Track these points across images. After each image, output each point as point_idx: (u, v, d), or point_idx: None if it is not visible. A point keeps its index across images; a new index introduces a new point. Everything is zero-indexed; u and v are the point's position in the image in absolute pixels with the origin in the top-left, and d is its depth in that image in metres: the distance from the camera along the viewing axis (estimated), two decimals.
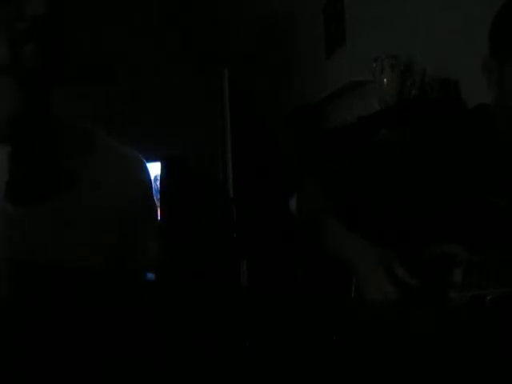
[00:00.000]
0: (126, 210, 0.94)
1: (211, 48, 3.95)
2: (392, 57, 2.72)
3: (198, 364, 0.57)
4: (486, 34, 1.10)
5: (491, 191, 1.07)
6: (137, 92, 3.83)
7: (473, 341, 0.69)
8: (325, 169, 1.25)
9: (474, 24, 2.11)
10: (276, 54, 4.18)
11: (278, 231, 2.68)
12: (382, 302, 0.98)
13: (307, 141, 3.59)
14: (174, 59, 3.95)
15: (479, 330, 0.71)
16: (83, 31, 0.86)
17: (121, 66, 3.74)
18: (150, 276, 0.99)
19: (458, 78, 2.39)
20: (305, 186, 1.26)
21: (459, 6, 2.39)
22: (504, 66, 1.04)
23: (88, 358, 0.56)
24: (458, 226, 1.04)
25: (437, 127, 1.15)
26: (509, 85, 1.04)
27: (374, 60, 2.79)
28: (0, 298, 0.60)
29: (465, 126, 1.14)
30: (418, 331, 0.72)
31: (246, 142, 3.28)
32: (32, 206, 0.84)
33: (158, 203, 3.09)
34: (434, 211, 1.09)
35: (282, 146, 3.76)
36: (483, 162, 1.10)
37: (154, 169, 3.13)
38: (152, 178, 3.46)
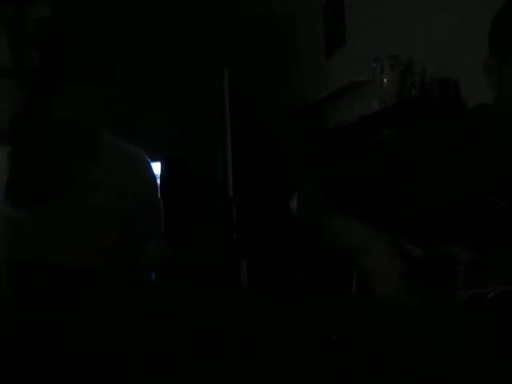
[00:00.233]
0: (128, 210, 0.94)
1: (211, 48, 3.95)
2: (392, 57, 2.72)
3: (198, 364, 0.57)
4: (485, 34, 1.10)
5: (491, 191, 1.07)
6: (137, 92, 3.83)
7: (473, 340, 0.69)
8: (325, 169, 1.25)
9: (474, 24, 2.11)
10: (276, 54, 4.18)
11: (278, 231, 2.68)
12: (393, 281, 0.98)
13: (307, 141, 3.59)
14: (174, 59, 3.95)
15: (479, 330, 0.71)
16: (84, 31, 0.86)
17: (121, 66, 3.73)
18: (151, 276, 0.99)
19: (457, 77, 2.39)
20: (305, 185, 1.26)
21: (459, 6, 2.39)
22: (504, 66, 1.04)
23: (88, 357, 0.56)
24: (459, 225, 1.04)
25: (437, 127, 1.15)
26: (509, 84, 1.04)
27: (374, 60, 2.79)
28: (0, 298, 0.60)
29: (465, 126, 1.14)
30: (418, 330, 0.72)
31: (246, 142, 3.28)
32: (32, 206, 0.84)
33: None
34: (434, 211, 1.09)
35: (282, 146, 3.76)
36: (483, 162, 1.10)
37: (154, 169, 3.12)
38: None
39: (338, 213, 1.15)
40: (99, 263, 0.87)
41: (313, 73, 3.89)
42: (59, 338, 0.56)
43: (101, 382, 0.56)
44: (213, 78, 3.46)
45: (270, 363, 0.58)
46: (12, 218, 0.76)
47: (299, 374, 0.58)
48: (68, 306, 0.58)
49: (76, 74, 0.87)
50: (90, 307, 0.58)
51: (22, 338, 0.56)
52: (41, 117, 0.87)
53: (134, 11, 3.85)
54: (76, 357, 0.56)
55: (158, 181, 3.24)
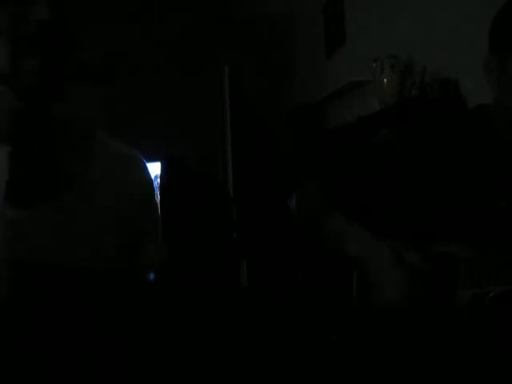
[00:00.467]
0: (126, 210, 0.94)
1: (211, 48, 3.95)
2: (392, 57, 2.72)
3: (198, 363, 0.57)
4: (486, 34, 1.10)
5: (491, 191, 1.07)
6: (137, 92, 3.83)
7: (473, 340, 0.69)
8: (325, 169, 1.25)
9: (474, 24, 2.11)
10: (276, 54, 4.17)
11: (278, 231, 2.68)
12: (395, 290, 0.97)
13: (307, 141, 3.59)
14: (174, 59, 3.95)
15: (480, 329, 0.71)
16: (83, 32, 0.86)
17: (121, 66, 3.74)
18: (151, 276, 0.99)
19: (457, 77, 2.39)
20: (305, 185, 1.26)
21: (459, 6, 2.39)
22: (504, 66, 1.04)
23: (88, 357, 0.56)
24: (459, 225, 1.04)
25: (437, 127, 1.15)
26: (509, 84, 1.04)
27: (374, 60, 2.79)
28: (0, 298, 0.60)
29: (465, 126, 1.14)
30: (418, 330, 0.72)
31: (246, 142, 3.28)
32: (32, 207, 0.84)
33: (157, 203, 3.09)
34: (434, 211, 1.09)
35: (282, 145, 3.76)
36: (483, 162, 1.10)
37: (154, 169, 3.13)
38: (152, 178, 3.43)
39: (337, 213, 1.15)
40: (99, 263, 0.87)
41: (313, 73, 3.89)
42: (59, 337, 0.56)
43: (101, 381, 0.56)
44: (213, 78, 3.46)
45: (270, 363, 0.58)
46: (12, 218, 0.76)
47: (299, 373, 0.58)
48: (68, 305, 0.58)
49: (75, 75, 0.87)
50: (89, 307, 0.58)
51: (22, 338, 0.56)
52: (40, 117, 0.87)
53: (133, 11, 3.85)
54: (76, 356, 0.56)
55: (158, 180, 3.24)
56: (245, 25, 4.06)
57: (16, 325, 0.56)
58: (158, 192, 3.11)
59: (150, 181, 1.03)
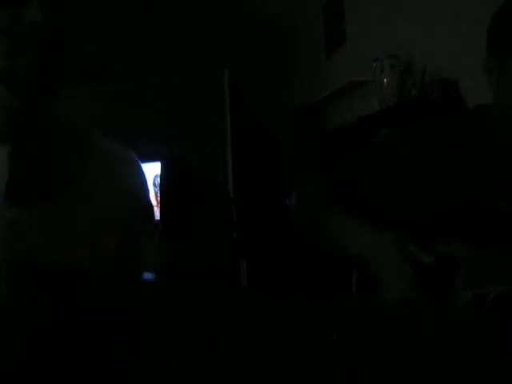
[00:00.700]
0: (123, 211, 0.94)
1: (211, 48, 3.95)
2: (392, 57, 2.72)
3: (198, 363, 0.57)
4: (485, 34, 1.10)
5: (491, 191, 1.07)
6: (137, 92, 3.83)
7: (473, 340, 0.69)
8: (325, 169, 1.25)
9: (474, 24, 2.11)
10: (276, 54, 4.18)
11: (278, 231, 2.68)
12: (400, 286, 0.97)
13: (307, 141, 3.59)
14: (174, 59, 3.95)
15: (480, 330, 0.71)
16: (81, 32, 0.85)
17: (120, 66, 3.74)
18: (150, 276, 0.99)
19: (457, 77, 2.39)
20: (305, 185, 1.26)
21: (459, 5, 2.39)
22: (504, 66, 1.04)
23: (88, 358, 0.56)
24: (458, 225, 1.04)
25: (437, 127, 1.15)
26: (509, 84, 1.04)
27: (374, 60, 2.79)
28: (0, 298, 0.60)
29: (465, 126, 1.14)
30: (418, 330, 0.72)
31: (246, 142, 3.28)
32: (31, 206, 0.84)
33: (155, 203, 3.09)
34: (434, 211, 1.09)
35: (282, 145, 3.76)
36: (483, 162, 1.10)
37: (154, 169, 3.13)
38: (152, 177, 3.45)
39: (337, 213, 1.15)
40: (98, 263, 0.87)
41: (313, 73, 3.89)
42: (59, 337, 0.56)
43: (100, 382, 0.56)
44: (213, 78, 3.46)
45: (270, 363, 0.58)
46: (11, 218, 0.76)
47: (299, 373, 0.58)
48: (67, 306, 0.58)
49: (74, 75, 0.87)
50: (89, 308, 0.58)
51: (21, 338, 0.56)
52: (37, 117, 0.87)
53: (133, 11, 3.85)
54: (76, 357, 0.56)
55: (158, 180, 3.23)
56: (245, 25, 4.06)
57: (16, 325, 0.56)
58: (157, 192, 3.11)
59: (144, 180, 1.02)
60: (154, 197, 3.17)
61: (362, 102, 3.13)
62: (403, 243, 1.01)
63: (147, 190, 1.03)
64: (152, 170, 3.13)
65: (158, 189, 3.08)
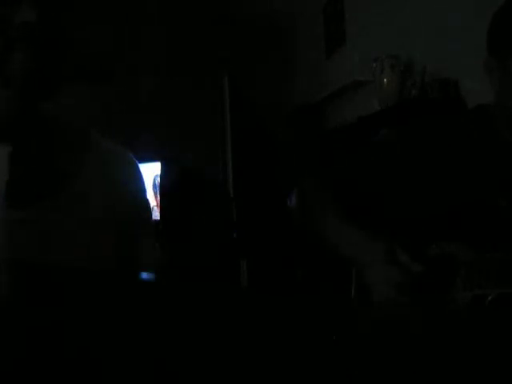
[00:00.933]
0: (121, 211, 0.94)
1: (211, 48, 3.95)
2: (392, 57, 2.72)
3: (197, 363, 0.57)
4: (485, 34, 1.10)
5: (491, 191, 1.07)
6: (137, 92, 3.83)
7: (473, 341, 0.69)
8: (325, 169, 1.25)
9: (474, 24, 2.11)
10: (276, 54, 4.17)
11: (278, 231, 2.68)
12: (388, 292, 0.97)
13: (307, 141, 3.59)
14: (174, 59, 3.95)
15: (479, 330, 0.71)
16: (80, 31, 0.85)
17: (120, 66, 3.74)
18: (150, 276, 0.99)
19: (457, 77, 2.39)
20: (305, 185, 1.26)
21: (459, 5, 2.39)
22: (505, 66, 1.04)
23: (87, 358, 0.56)
24: (458, 225, 1.04)
25: (437, 127, 1.15)
26: (510, 84, 1.04)
27: (374, 60, 2.79)
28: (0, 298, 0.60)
29: (465, 126, 1.14)
30: (418, 331, 0.72)
31: (246, 142, 3.28)
32: (30, 207, 0.84)
33: (155, 203, 3.10)
34: (433, 211, 1.09)
35: (282, 145, 3.76)
36: (483, 162, 1.10)
37: (154, 169, 3.13)
38: (152, 177, 3.44)
39: (335, 213, 1.15)
40: (97, 263, 0.87)
41: (313, 73, 3.89)
42: (59, 338, 0.56)
43: (100, 382, 0.56)
44: (213, 78, 3.46)
45: (270, 363, 0.58)
46: (11, 218, 0.76)
47: (299, 373, 0.58)
48: (67, 306, 0.58)
49: (70, 75, 0.87)
50: (89, 307, 0.58)
51: (21, 339, 0.56)
52: (33, 117, 0.87)
53: (133, 11, 3.85)
54: (76, 357, 0.56)
55: (158, 180, 3.23)
56: (245, 25, 4.06)
57: (15, 325, 0.56)
58: (157, 192, 3.12)
59: (141, 180, 1.02)
60: (153, 197, 3.18)
61: (362, 102, 3.13)
62: (395, 250, 1.01)
63: (145, 190, 1.03)
64: (152, 170, 3.14)
65: (158, 189, 3.08)
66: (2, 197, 0.72)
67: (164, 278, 0.93)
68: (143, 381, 0.57)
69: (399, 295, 0.96)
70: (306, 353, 0.59)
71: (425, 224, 1.08)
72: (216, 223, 2.89)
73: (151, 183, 3.13)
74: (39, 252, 0.81)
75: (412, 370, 0.67)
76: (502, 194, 1.05)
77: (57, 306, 0.57)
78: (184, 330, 0.58)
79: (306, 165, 3.36)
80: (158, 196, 3.04)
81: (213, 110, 3.41)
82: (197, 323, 0.59)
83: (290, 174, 3.34)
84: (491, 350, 0.70)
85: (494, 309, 0.91)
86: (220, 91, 3.11)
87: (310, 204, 1.23)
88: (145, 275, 0.97)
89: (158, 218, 3.00)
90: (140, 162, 1.03)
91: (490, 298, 0.92)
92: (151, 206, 1.13)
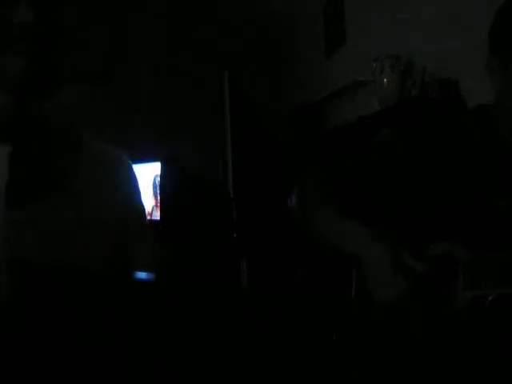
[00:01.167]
0: (115, 211, 0.94)
1: (211, 48, 3.95)
2: (392, 57, 2.72)
3: (197, 363, 0.57)
4: (486, 34, 1.10)
5: (491, 191, 1.07)
6: (137, 92, 3.83)
7: (473, 341, 0.69)
8: (325, 169, 1.25)
9: (474, 24, 2.11)
10: (276, 54, 4.18)
11: (278, 231, 2.68)
12: (390, 292, 0.97)
13: (307, 141, 3.59)
14: (174, 59, 3.95)
15: (479, 331, 0.71)
16: (80, 31, 0.85)
17: (120, 66, 3.74)
18: (150, 276, 0.99)
19: (457, 77, 2.39)
20: (304, 185, 1.26)
21: (459, 5, 2.39)
22: (507, 66, 1.03)
23: (87, 358, 0.56)
24: (459, 226, 1.04)
25: (437, 127, 1.15)
26: (510, 84, 1.04)
27: (374, 60, 2.79)
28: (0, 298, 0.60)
29: (465, 126, 1.14)
30: (418, 331, 0.72)
31: (246, 142, 3.28)
32: (29, 207, 0.84)
33: (155, 203, 3.10)
34: (433, 211, 1.09)
35: (282, 145, 3.76)
36: (483, 162, 1.10)
37: (154, 169, 3.13)
38: (152, 177, 3.44)
39: (337, 213, 1.15)
40: (93, 263, 0.87)
41: (313, 73, 3.89)
42: (59, 337, 0.56)
43: (101, 382, 0.56)
44: (213, 77, 3.46)
45: (270, 363, 0.58)
46: (10, 218, 0.77)
47: (299, 374, 0.58)
48: (67, 306, 0.58)
49: (69, 75, 0.87)
50: (89, 307, 0.58)
51: (21, 339, 0.56)
52: (30, 117, 0.87)
53: (133, 11, 3.85)
54: (75, 357, 0.56)
55: (158, 179, 3.22)
56: (245, 24, 4.06)
57: (15, 325, 0.57)
58: (158, 192, 3.12)
59: (135, 181, 1.02)
60: (153, 197, 3.18)
61: (362, 102, 3.13)
62: (398, 249, 1.00)
63: (139, 191, 1.03)
64: (152, 170, 3.14)
65: (158, 189, 3.09)
66: (2, 197, 0.72)
67: (164, 278, 0.93)
68: (143, 381, 0.57)
69: (402, 296, 0.96)
70: (305, 353, 0.59)
71: (425, 224, 1.08)
72: (216, 223, 2.89)
73: (151, 183, 3.13)
74: (39, 252, 0.81)
75: (412, 370, 0.67)
76: (501, 194, 1.05)
77: (57, 305, 0.57)
78: (184, 329, 0.58)
79: (306, 165, 3.36)
80: (158, 196, 3.04)
81: (213, 110, 3.41)
82: (197, 323, 0.59)
83: (290, 173, 3.34)
84: (491, 350, 0.70)
85: (494, 309, 0.91)
86: (220, 91, 3.11)
87: (309, 204, 1.23)
88: (145, 275, 0.97)
89: (158, 217, 3.00)
90: (140, 162, 1.04)
91: (490, 298, 0.92)
92: (151, 206, 1.13)
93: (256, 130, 3.62)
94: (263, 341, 0.59)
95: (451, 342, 0.68)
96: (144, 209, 1.06)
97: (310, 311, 0.63)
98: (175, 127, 3.79)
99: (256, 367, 0.58)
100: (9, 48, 0.76)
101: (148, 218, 2.97)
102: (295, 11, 4.04)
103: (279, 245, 2.77)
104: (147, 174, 3.10)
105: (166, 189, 2.94)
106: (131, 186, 1.01)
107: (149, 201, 3.09)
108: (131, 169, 1.02)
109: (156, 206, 3.05)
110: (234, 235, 2.93)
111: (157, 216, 3.02)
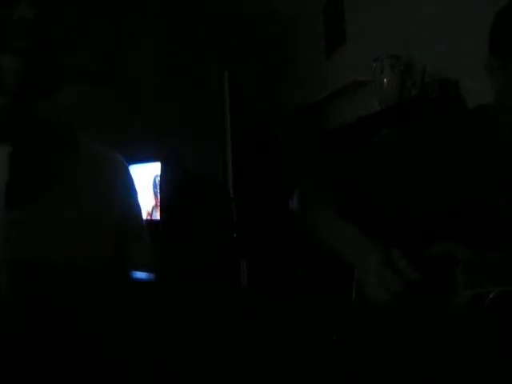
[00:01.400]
0: (111, 211, 0.94)
1: (211, 48, 3.95)
2: (392, 57, 2.72)
3: (197, 363, 0.57)
4: (486, 34, 1.10)
5: (491, 191, 1.07)
6: (137, 92, 3.83)
7: (473, 341, 0.69)
8: (325, 169, 1.25)
9: (475, 24, 2.11)
10: (276, 54, 4.17)
11: (278, 231, 2.68)
12: (384, 296, 0.96)
13: (307, 141, 3.59)
14: (174, 59, 3.95)
15: (479, 330, 0.71)
16: (79, 31, 0.85)
17: (120, 66, 3.74)
18: (150, 276, 0.99)
19: (457, 77, 2.39)
20: (305, 185, 1.26)
21: (460, 5, 2.39)
22: (507, 66, 1.03)
23: (87, 358, 0.56)
24: (458, 225, 1.04)
25: (437, 127, 1.15)
26: (511, 84, 1.04)
27: (374, 60, 2.79)
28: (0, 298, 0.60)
29: (465, 126, 1.14)
30: (418, 331, 0.72)
31: (246, 142, 3.28)
32: (30, 206, 0.84)
33: (155, 203, 3.10)
34: (434, 211, 1.09)
35: (282, 145, 3.76)
36: (483, 162, 1.10)
37: (154, 169, 3.13)
38: (152, 177, 3.44)
39: (337, 213, 1.15)
40: (90, 263, 0.87)
41: (313, 73, 3.89)
42: (59, 337, 0.56)
43: (101, 382, 0.56)
44: (213, 77, 3.46)
45: (270, 364, 0.58)
46: (10, 218, 0.76)
47: (299, 374, 0.58)
48: (67, 305, 0.58)
49: (69, 75, 0.87)
50: (89, 307, 0.58)
51: (21, 339, 0.56)
52: (28, 117, 0.87)
53: (133, 10, 3.85)
54: (75, 357, 0.56)
55: (158, 179, 3.22)
56: (245, 25, 4.06)
57: (15, 325, 0.56)
58: (158, 192, 3.11)
59: (131, 182, 1.03)
60: (153, 197, 3.18)
61: (362, 102, 3.13)
62: (394, 256, 0.99)
63: (135, 191, 1.03)
64: (152, 170, 3.14)
65: (158, 189, 3.08)
66: (2, 197, 0.72)
67: (164, 278, 0.93)
68: (143, 381, 0.57)
69: (395, 300, 0.95)
70: (305, 353, 0.59)
71: (425, 224, 1.08)
72: (216, 223, 2.89)
73: (151, 183, 3.13)
74: (39, 252, 0.81)
75: (412, 370, 0.67)
76: (502, 194, 1.05)
77: (57, 305, 0.57)
78: (184, 330, 0.58)
79: (306, 165, 3.36)
80: (158, 196, 3.04)
81: (213, 110, 3.41)
82: (197, 323, 0.59)
83: (290, 173, 3.34)
84: (491, 350, 0.70)
85: (495, 307, 0.91)
86: (220, 91, 3.11)
87: (309, 204, 1.23)
88: (144, 275, 0.97)
89: (158, 218, 3.00)
90: (140, 162, 1.04)
91: (491, 295, 0.92)
92: (151, 206, 1.14)
93: (256, 130, 3.62)
94: (263, 341, 0.59)
95: (451, 342, 0.68)
96: (141, 209, 1.06)
97: (310, 311, 0.63)
98: (175, 127, 3.78)
99: (256, 367, 0.58)
100: (8, 47, 0.76)
101: (148, 217, 2.97)
102: (295, 11, 4.04)
103: (279, 245, 2.77)
104: (147, 174, 3.09)
105: (166, 189, 2.94)
106: (127, 186, 1.01)
107: (149, 201, 3.09)
108: (127, 170, 1.02)
109: (156, 205, 3.05)
110: (234, 235, 2.93)
111: (157, 216, 3.02)
